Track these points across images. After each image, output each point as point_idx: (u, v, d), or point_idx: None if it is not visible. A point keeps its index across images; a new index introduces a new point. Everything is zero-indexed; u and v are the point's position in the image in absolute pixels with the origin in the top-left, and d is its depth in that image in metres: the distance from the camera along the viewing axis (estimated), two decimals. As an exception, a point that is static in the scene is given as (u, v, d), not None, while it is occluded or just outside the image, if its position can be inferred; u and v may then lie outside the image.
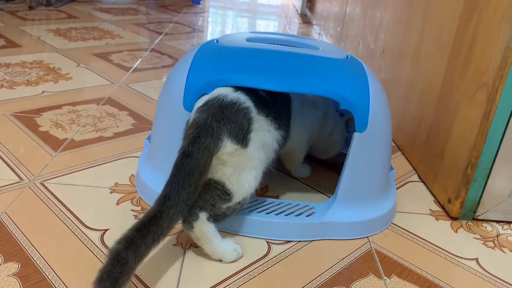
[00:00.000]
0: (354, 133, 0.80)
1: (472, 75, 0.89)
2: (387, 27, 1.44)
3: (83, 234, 0.77)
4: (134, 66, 1.71)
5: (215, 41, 0.90)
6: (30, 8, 2.47)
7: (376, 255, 0.81)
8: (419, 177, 1.10)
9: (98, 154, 1.04)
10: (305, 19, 3.17)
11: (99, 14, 2.57)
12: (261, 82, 0.76)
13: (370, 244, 0.84)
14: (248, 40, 0.88)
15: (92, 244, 0.75)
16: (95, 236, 0.77)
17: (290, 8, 3.68)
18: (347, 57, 0.88)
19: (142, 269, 0.71)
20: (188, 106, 0.80)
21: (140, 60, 1.79)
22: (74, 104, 1.30)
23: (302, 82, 0.78)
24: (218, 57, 0.83)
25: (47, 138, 1.09)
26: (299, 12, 3.34)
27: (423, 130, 1.11)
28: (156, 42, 2.11)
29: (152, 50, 1.96)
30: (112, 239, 0.76)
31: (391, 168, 0.95)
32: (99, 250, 0.74)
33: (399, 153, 1.23)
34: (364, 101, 0.79)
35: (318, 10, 2.85)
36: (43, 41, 1.91)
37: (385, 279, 0.75)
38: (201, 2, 3.38)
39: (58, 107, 1.27)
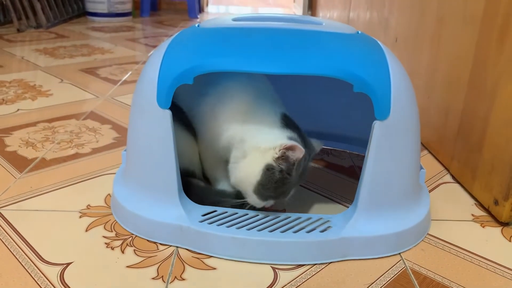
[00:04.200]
0: (374, 122, 0.63)
1: (513, 46, 0.73)
2: (398, 13, 1.28)
3: (38, 271, 0.61)
4: (123, 79, 1.56)
5: (196, 25, 0.74)
6: (19, 31, 2.36)
7: (414, 276, 0.63)
8: (453, 177, 0.92)
9: (71, 173, 0.89)
10: (307, 26, 3.03)
11: (90, 33, 2.46)
12: (253, 64, 0.60)
13: (404, 263, 0.66)
14: (235, 20, 0.72)
15: (48, 283, 0.59)
16: (53, 272, 0.61)
17: (291, 17, 3.55)
18: (357, 33, 0.72)
19: (109, 314, 0.54)
20: (163, 103, 0.64)
21: (130, 72, 1.65)
22: (50, 120, 1.15)
23: (304, 61, 0.61)
24: (197, 41, 0.68)
25: (13, 158, 0.94)
26: (301, 19, 3.21)
27: (452, 122, 0.94)
28: (149, 54, 1.97)
29: (145, 62, 1.82)
30: (74, 275, 0.60)
31: (421, 167, 0.78)
32: (56, 291, 0.57)
33: (425, 151, 1.05)
34: (384, 81, 0.63)
35: (320, 17, 2.71)
36: (27, 60, 1.78)
37: (429, 309, 0.57)
38: (198, 16, 3.26)
39: (32, 124, 1.12)
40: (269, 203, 0.69)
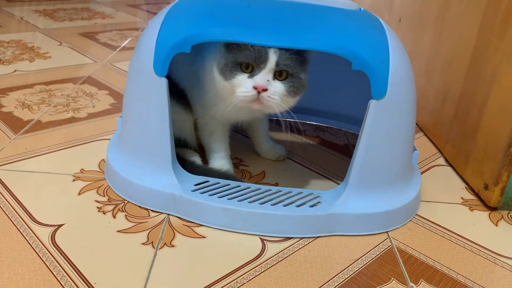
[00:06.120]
0: (370, 101, 0.63)
1: (516, 31, 0.72)
2: (404, -8, 1.26)
3: (30, 231, 0.62)
4: (123, 45, 1.55)
5: (198, -7, 0.73)
6: (19, -10, 2.32)
7: (399, 254, 0.64)
8: (446, 160, 0.93)
9: (66, 136, 0.89)
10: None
11: (92, -4, 2.42)
12: (250, 36, 0.60)
13: (391, 241, 0.67)
14: (237, -10, 0.71)
15: (39, 243, 0.60)
16: (44, 233, 0.62)
17: None
18: (360, 9, 0.71)
19: (98, 275, 0.55)
20: (159, 70, 0.64)
21: (130, 39, 1.63)
22: (48, 83, 1.15)
23: (303, 35, 0.61)
24: (197, 9, 0.67)
25: (8, 119, 0.94)
26: None
27: (449, 106, 0.94)
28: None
29: (145, 29, 1.80)
30: (65, 237, 0.61)
31: (414, 149, 0.78)
32: (46, 251, 0.58)
33: (421, 133, 1.05)
34: (382, 60, 0.62)
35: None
36: (26, 21, 1.76)
37: (412, 286, 0.59)
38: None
39: (29, 86, 1.12)
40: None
